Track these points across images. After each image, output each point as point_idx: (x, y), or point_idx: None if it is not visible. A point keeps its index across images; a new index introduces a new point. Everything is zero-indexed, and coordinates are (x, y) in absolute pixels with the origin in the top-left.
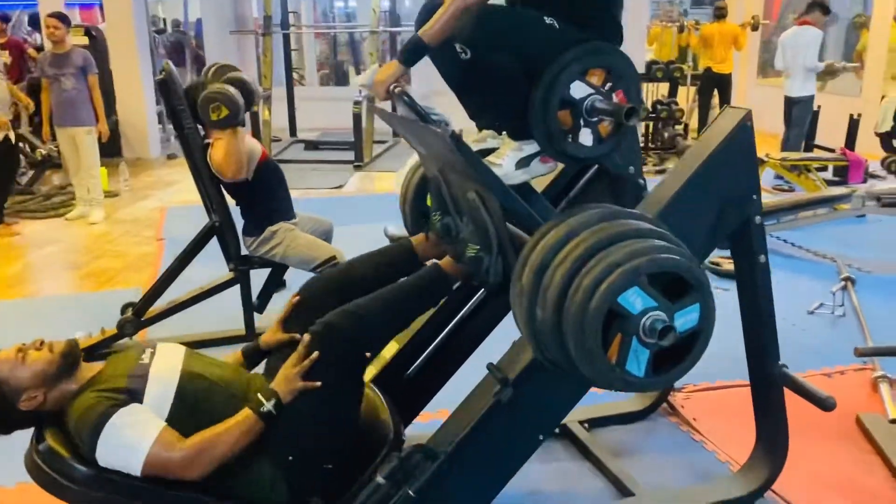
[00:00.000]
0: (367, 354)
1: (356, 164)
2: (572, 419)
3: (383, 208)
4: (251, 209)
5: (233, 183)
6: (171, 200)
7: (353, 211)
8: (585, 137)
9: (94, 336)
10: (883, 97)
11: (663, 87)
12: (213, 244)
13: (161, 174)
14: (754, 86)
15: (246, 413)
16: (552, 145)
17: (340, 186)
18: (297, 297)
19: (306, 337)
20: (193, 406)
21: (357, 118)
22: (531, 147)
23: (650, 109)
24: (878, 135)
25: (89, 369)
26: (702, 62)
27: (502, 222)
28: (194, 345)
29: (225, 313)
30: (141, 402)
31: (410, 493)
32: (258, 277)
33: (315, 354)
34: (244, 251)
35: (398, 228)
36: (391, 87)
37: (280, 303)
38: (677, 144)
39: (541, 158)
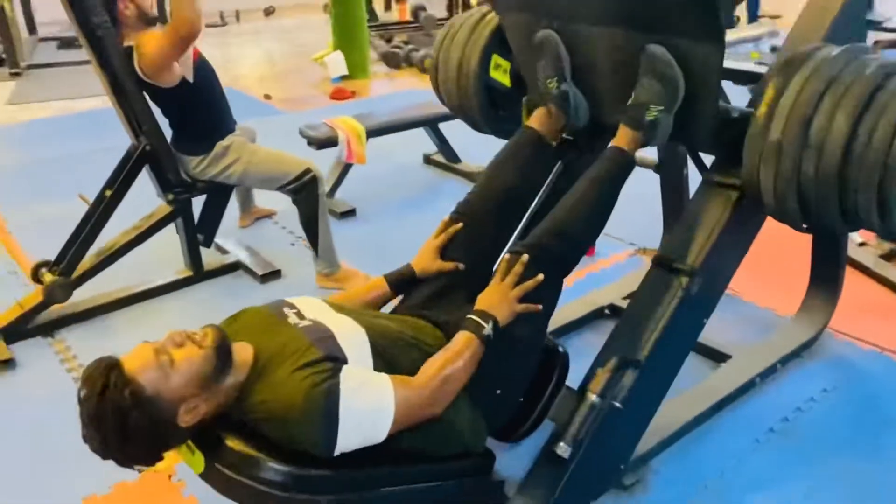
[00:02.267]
0: None
1: None
2: (616, 297)
3: None
4: (193, 123)
5: (171, 91)
6: None
7: None
8: None
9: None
10: None
11: None
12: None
13: None
14: None
15: (468, 337)
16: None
17: None
18: (460, 223)
19: (524, 257)
20: (389, 362)
21: None
22: None
23: None
24: None
25: (237, 352)
26: None
27: (717, 77)
28: (139, 297)
29: (152, 254)
30: (340, 366)
31: (617, 405)
32: None
33: (540, 277)
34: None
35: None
36: None
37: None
38: None
39: None
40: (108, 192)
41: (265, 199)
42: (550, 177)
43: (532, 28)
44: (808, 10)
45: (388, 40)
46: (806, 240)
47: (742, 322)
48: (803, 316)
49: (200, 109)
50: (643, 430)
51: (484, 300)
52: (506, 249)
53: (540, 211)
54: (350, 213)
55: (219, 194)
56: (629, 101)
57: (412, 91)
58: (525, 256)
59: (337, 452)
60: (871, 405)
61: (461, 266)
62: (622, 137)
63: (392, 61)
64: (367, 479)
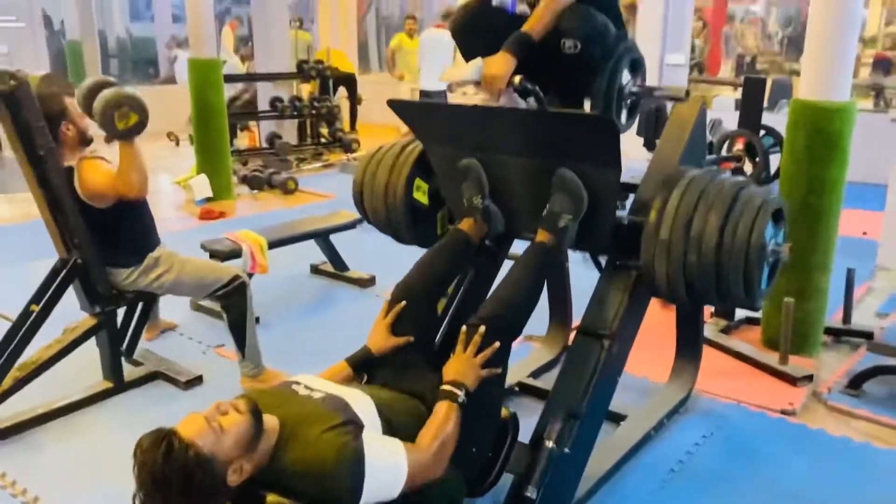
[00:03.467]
0: None
1: None
2: (521, 376)
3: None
4: (125, 237)
5: (107, 209)
6: None
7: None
8: (623, 116)
9: None
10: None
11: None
12: None
13: None
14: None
15: (448, 405)
16: None
17: None
18: (403, 301)
19: (482, 329)
20: (392, 425)
21: None
22: None
23: (310, 106)
24: None
25: (265, 421)
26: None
27: (616, 194)
28: (63, 411)
29: (66, 366)
30: (362, 426)
31: (566, 451)
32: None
33: (497, 344)
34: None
35: None
36: (515, 79)
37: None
38: (343, 139)
39: None
40: (35, 307)
41: (165, 312)
42: (472, 271)
43: (456, 156)
44: (665, 143)
45: (245, 164)
46: (667, 320)
47: (626, 389)
48: (675, 381)
49: (133, 224)
50: (581, 474)
51: (452, 370)
52: (447, 323)
53: (467, 294)
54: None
55: (144, 304)
56: (545, 212)
57: (279, 211)
58: (482, 328)
59: (363, 502)
60: (741, 442)
61: (412, 339)
62: (541, 237)
63: (255, 183)
64: None
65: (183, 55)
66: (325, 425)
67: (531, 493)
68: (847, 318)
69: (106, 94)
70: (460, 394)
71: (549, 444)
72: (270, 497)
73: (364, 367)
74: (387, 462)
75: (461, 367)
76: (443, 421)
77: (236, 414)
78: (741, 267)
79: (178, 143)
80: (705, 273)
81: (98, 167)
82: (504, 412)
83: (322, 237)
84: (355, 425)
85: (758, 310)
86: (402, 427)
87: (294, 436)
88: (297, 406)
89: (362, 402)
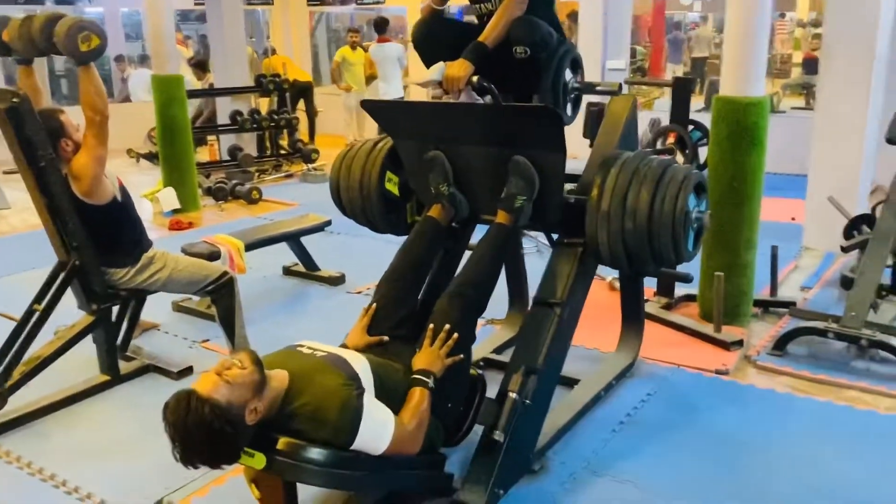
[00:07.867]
0: None
1: None
2: (485, 352)
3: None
4: (119, 237)
5: (103, 209)
6: None
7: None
8: (568, 109)
9: None
10: None
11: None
12: None
13: None
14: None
15: (422, 391)
16: None
17: None
18: (375, 305)
19: (447, 327)
20: (383, 385)
21: None
22: None
23: (269, 119)
24: None
25: (275, 375)
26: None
27: (562, 175)
28: (66, 402)
29: (62, 363)
30: (363, 388)
31: (527, 402)
32: None
33: (455, 336)
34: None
35: None
36: (473, 79)
37: None
38: (302, 149)
39: None
40: (38, 307)
41: (147, 314)
42: (441, 251)
43: (423, 149)
44: (603, 133)
45: (208, 176)
46: (615, 302)
47: (579, 359)
48: (622, 349)
49: (127, 225)
50: (542, 424)
51: (420, 361)
52: (422, 295)
53: (437, 272)
54: None
55: (136, 302)
56: (503, 194)
57: (245, 219)
58: (447, 326)
59: (355, 447)
60: (680, 398)
61: (385, 338)
62: (500, 218)
63: (219, 195)
64: (377, 461)
65: (136, 73)
66: (331, 378)
67: (499, 436)
68: (774, 290)
69: (68, 20)
70: (429, 381)
71: (513, 395)
72: (282, 440)
73: None
74: (378, 423)
75: (429, 359)
76: (418, 403)
77: (240, 368)
78: (669, 231)
79: (138, 160)
80: (640, 238)
81: (77, 155)
82: (473, 373)
83: (293, 239)
84: (358, 383)
85: (691, 280)
86: (390, 389)
87: (303, 385)
88: (304, 361)
89: (360, 363)
